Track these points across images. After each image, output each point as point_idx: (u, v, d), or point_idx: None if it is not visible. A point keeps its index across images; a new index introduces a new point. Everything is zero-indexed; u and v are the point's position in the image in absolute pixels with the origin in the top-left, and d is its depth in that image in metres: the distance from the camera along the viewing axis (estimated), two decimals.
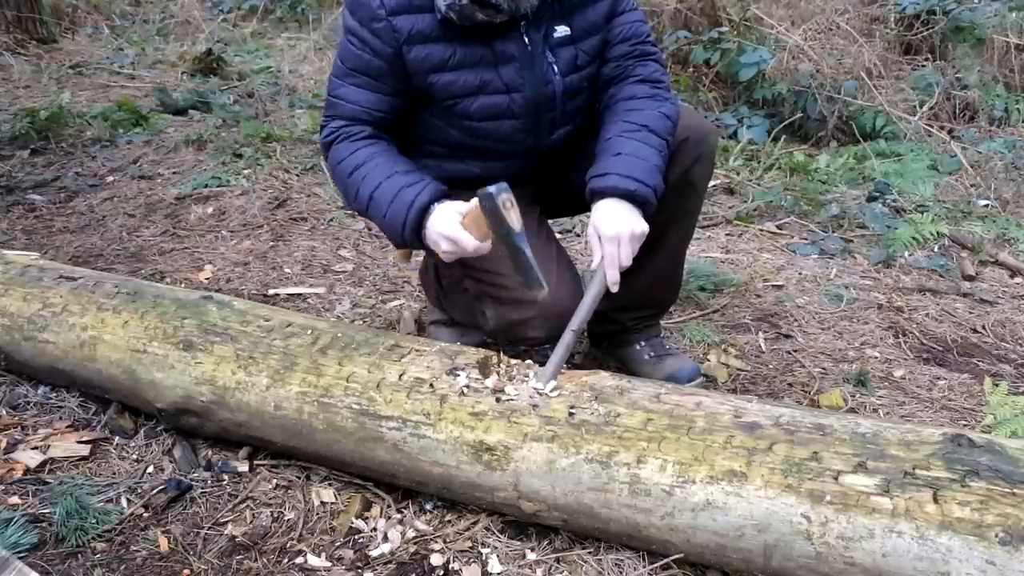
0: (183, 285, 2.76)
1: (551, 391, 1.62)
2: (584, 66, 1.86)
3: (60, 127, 4.36)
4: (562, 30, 1.80)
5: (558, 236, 2.20)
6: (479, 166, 1.92)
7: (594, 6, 1.83)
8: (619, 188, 1.72)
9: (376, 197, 1.75)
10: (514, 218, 1.58)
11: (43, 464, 1.88)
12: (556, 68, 1.81)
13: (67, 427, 2.02)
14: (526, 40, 1.77)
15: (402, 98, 1.83)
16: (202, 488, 1.81)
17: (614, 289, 1.75)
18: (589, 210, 1.79)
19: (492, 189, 1.56)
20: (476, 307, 1.98)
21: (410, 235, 1.72)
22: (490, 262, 1.77)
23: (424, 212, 1.70)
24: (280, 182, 3.79)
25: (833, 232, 3.43)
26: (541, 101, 1.83)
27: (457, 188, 1.81)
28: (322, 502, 1.78)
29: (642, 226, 1.73)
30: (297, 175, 3.89)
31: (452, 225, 1.66)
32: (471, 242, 1.64)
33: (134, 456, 1.93)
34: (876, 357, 2.48)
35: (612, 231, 1.71)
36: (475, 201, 1.61)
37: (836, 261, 3.18)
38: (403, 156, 1.84)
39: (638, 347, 2.19)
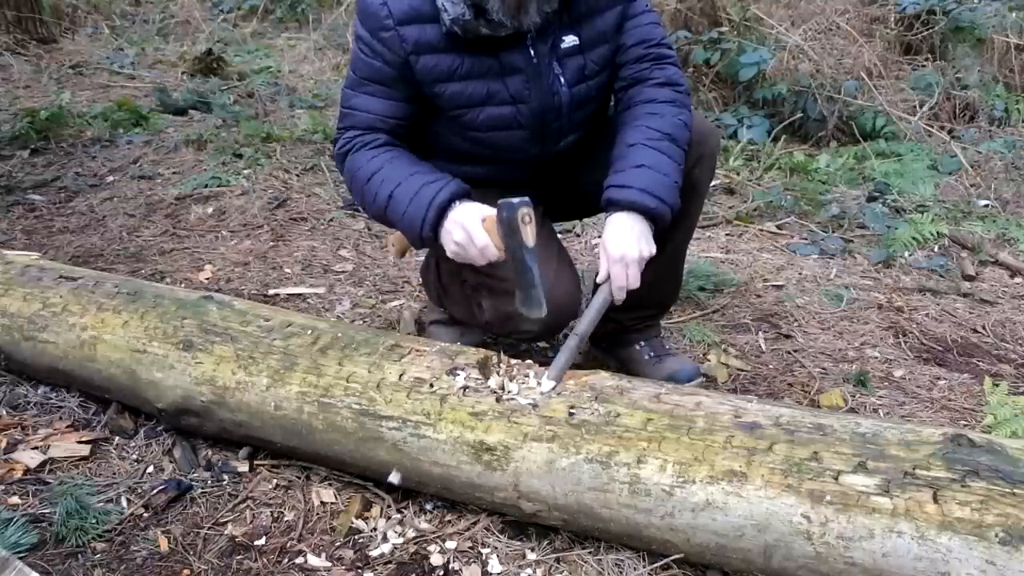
0: (183, 285, 2.76)
1: (550, 392, 1.62)
2: (592, 75, 1.85)
3: (60, 127, 4.36)
4: (570, 40, 1.79)
5: (558, 235, 2.20)
6: (485, 170, 1.93)
7: (603, 15, 1.82)
8: (637, 204, 1.71)
9: (396, 195, 1.75)
10: (529, 234, 1.59)
11: (43, 464, 1.88)
12: (563, 79, 1.81)
13: (67, 427, 2.02)
14: (532, 52, 1.77)
15: (415, 104, 1.83)
16: (202, 488, 1.81)
17: (619, 303, 1.76)
18: (594, 213, 1.77)
19: (514, 200, 1.58)
20: (473, 299, 1.98)
21: (428, 232, 1.71)
22: None
23: (444, 209, 1.70)
24: (280, 182, 3.79)
25: (833, 232, 3.43)
26: (547, 112, 1.83)
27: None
28: (322, 502, 1.78)
29: (651, 249, 1.73)
30: (297, 175, 3.89)
31: (473, 220, 1.66)
32: (484, 239, 1.65)
33: (134, 456, 1.93)
34: (876, 357, 2.48)
35: (619, 253, 1.71)
36: (495, 210, 1.63)
37: (836, 261, 3.18)
38: (421, 160, 1.84)
39: (638, 347, 2.19)
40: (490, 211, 1.66)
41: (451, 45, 1.73)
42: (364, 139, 1.83)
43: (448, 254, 1.73)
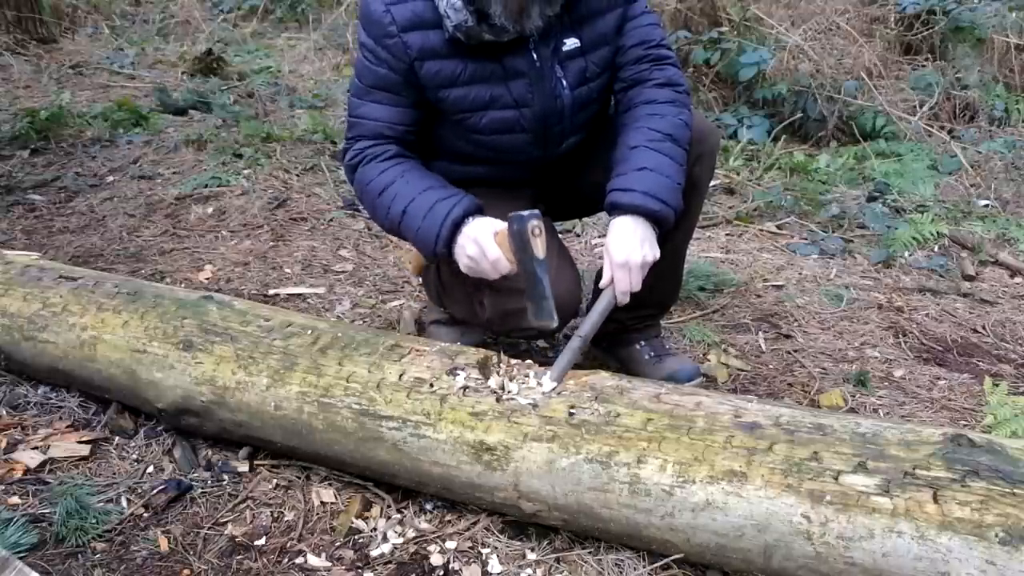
0: (183, 285, 2.76)
1: (551, 393, 1.62)
2: (594, 78, 1.85)
3: (60, 127, 4.36)
4: (572, 42, 1.80)
5: (558, 235, 2.20)
6: (487, 171, 1.93)
7: (603, 17, 1.82)
8: (641, 207, 1.72)
9: (409, 211, 1.77)
10: (539, 246, 1.62)
11: (43, 464, 1.88)
12: (565, 82, 1.82)
13: (67, 427, 2.02)
14: (534, 56, 1.78)
15: (422, 109, 1.84)
16: (202, 488, 1.81)
17: (622, 305, 1.76)
18: (594, 213, 1.77)
19: (524, 213, 1.60)
20: (474, 297, 1.99)
21: (443, 248, 1.73)
22: None
23: (458, 225, 1.72)
24: (280, 182, 3.79)
25: (833, 232, 3.43)
26: (550, 115, 1.84)
27: (465, 186, 1.81)
28: (322, 502, 1.78)
29: (655, 253, 1.74)
30: (297, 175, 3.89)
31: (485, 234, 1.68)
32: (496, 252, 1.66)
33: (134, 456, 1.93)
34: (876, 357, 2.48)
35: (623, 257, 1.71)
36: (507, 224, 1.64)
37: (836, 261, 3.18)
38: (431, 173, 1.85)
39: (638, 347, 2.19)
40: (502, 225, 1.68)
41: (454, 51, 1.73)
42: (374, 151, 1.83)
43: (461, 268, 1.75)
